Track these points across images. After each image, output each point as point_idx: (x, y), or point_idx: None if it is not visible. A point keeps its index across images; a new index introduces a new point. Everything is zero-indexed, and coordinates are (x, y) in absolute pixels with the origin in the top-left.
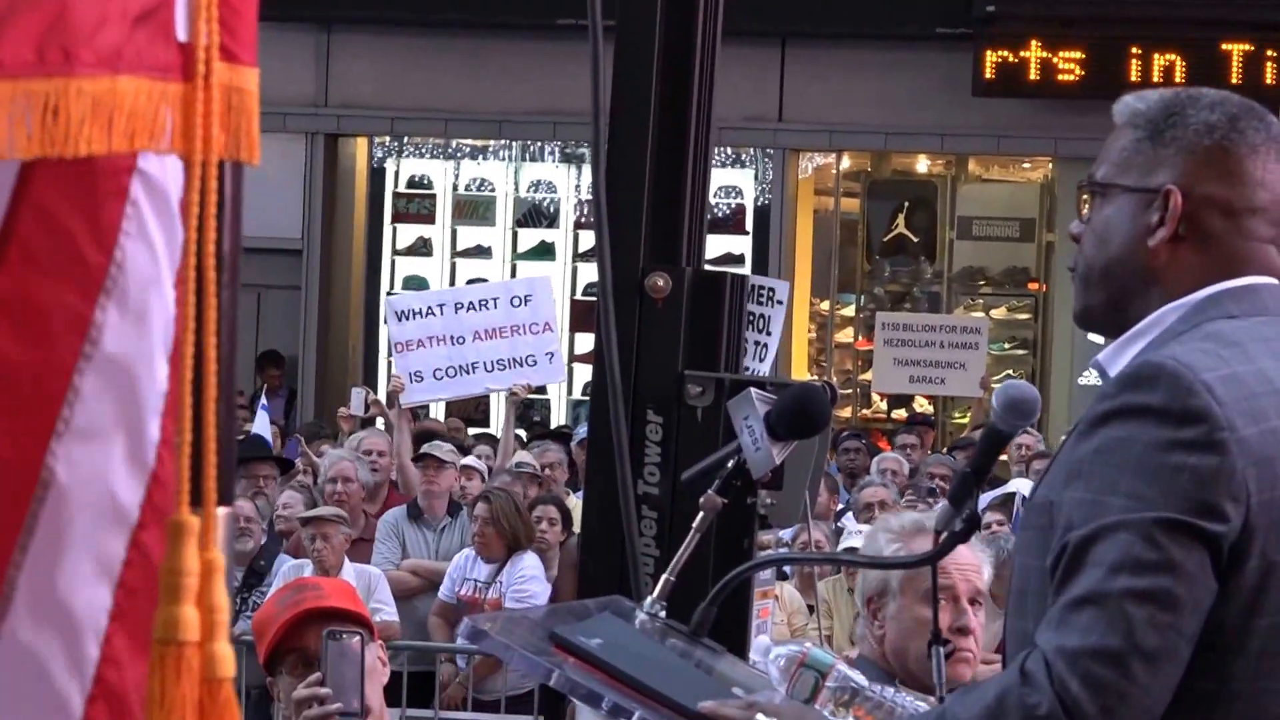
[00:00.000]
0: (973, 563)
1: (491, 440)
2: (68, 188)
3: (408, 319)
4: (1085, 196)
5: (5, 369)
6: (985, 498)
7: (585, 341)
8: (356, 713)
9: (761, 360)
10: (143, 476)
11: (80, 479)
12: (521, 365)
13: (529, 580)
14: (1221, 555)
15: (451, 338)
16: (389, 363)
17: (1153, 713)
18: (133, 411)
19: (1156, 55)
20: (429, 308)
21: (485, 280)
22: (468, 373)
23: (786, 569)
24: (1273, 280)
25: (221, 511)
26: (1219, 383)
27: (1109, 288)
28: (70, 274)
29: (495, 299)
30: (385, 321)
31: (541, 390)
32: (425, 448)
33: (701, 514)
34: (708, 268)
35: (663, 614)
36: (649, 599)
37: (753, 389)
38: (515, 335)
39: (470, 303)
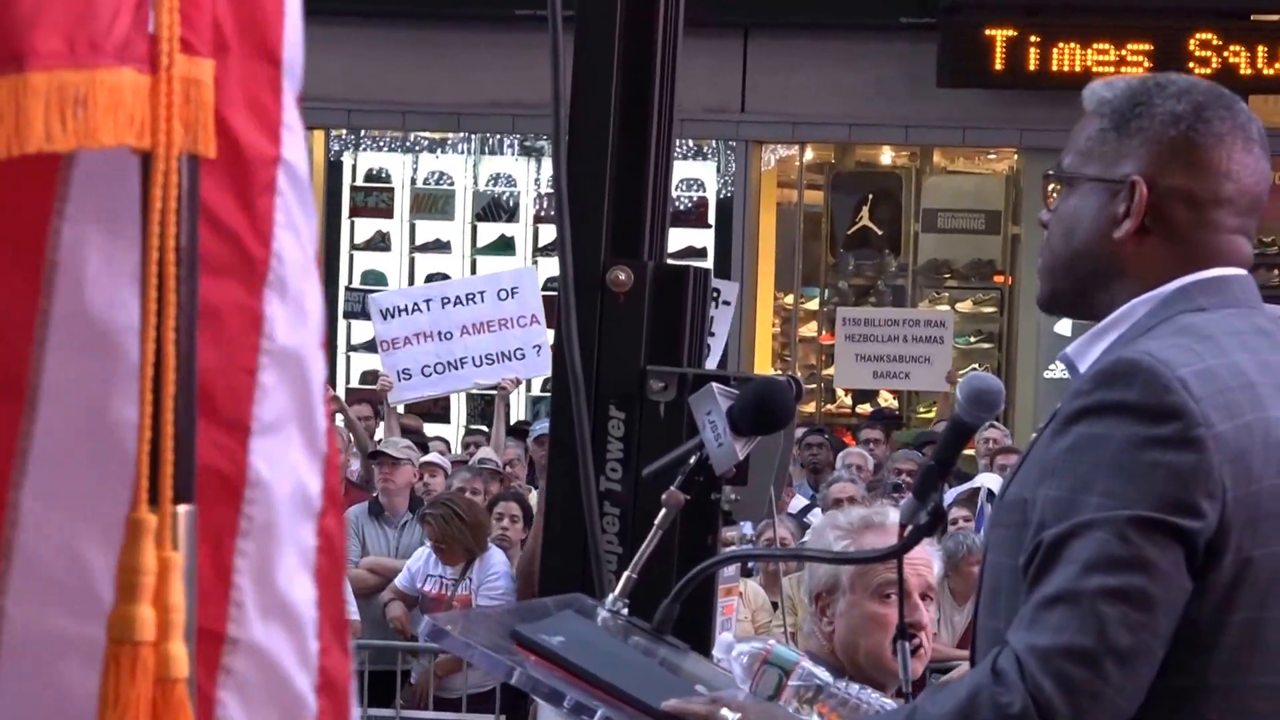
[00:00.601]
0: (923, 558)
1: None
2: (226, 185)
3: (393, 316)
4: (1051, 186)
5: (205, 380)
6: (951, 493)
7: (547, 337)
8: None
9: (705, 360)
10: (319, 463)
11: (278, 474)
12: (510, 359)
13: (501, 577)
14: (1197, 552)
15: (439, 333)
16: (348, 358)
17: (1126, 712)
18: (306, 400)
19: (1122, 45)
20: (414, 304)
21: (446, 275)
22: (456, 368)
23: (751, 566)
24: (1241, 271)
25: (182, 509)
26: (1194, 378)
27: (1075, 278)
28: (239, 272)
29: (482, 292)
30: (344, 315)
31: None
32: (380, 445)
33: (664, 510)
34: (670, 261)
35: (625, 611)
36: (611, 596)
37: (715, 384)
38: (503, 329)
39: (457, 297)
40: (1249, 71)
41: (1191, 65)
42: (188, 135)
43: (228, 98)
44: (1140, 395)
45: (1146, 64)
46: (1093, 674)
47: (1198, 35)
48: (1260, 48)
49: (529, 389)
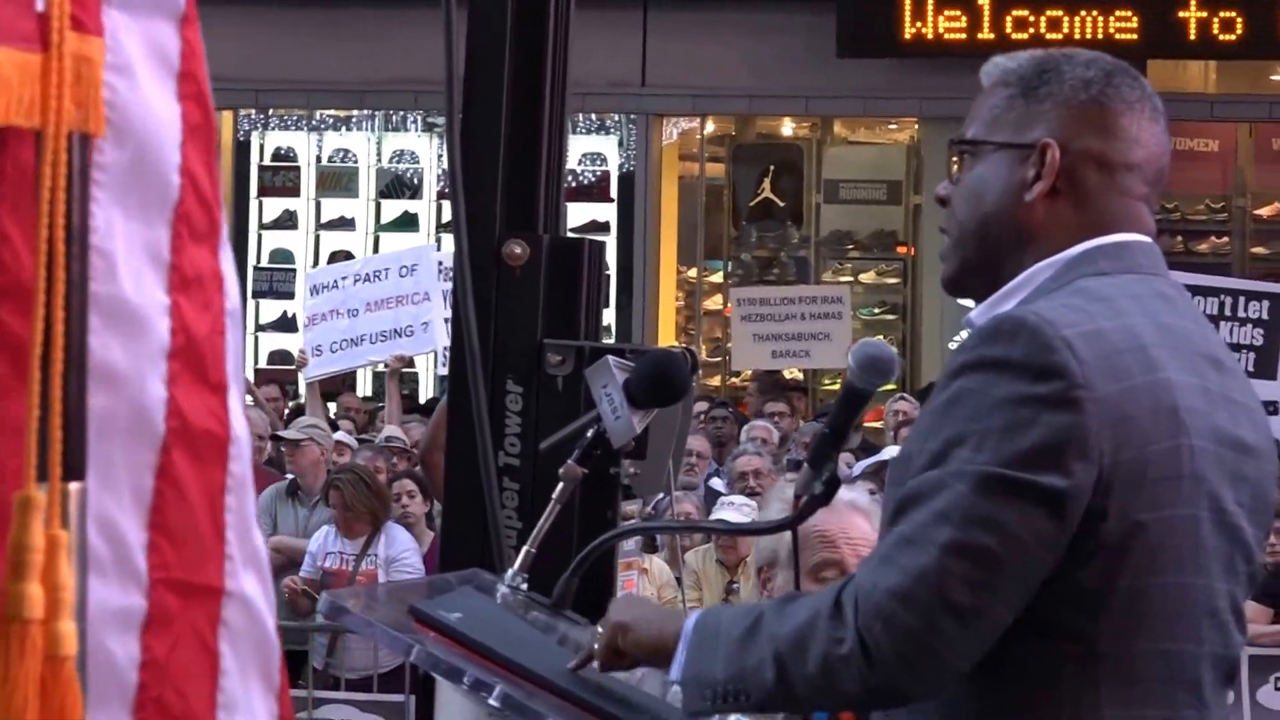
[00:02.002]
0: (865, 537)
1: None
2: (203, 152)
3: (318, 293)
4: (955, 157)
5: (193, 344)
6: (858, 466)
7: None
8: None
9: None
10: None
11: (240, 427)
12: (401, 336)
13: (411, 553)
14: (1066, 513)
15: (348, 310)
16: (256, 339)
17: (954, 669)
18: (240, 352)
19: (1018, 12)
20: (335, 280)
21: (349, 253)
22: (355, 345)
23: (658, 542)
24: (1144, 238)
25: (73, 487)
26: (1080, 339)
27: (983, 246)
28: (211, 238)
29: (387, 269)
30: (253, 295)
31: (410, 364)
32: (283, 431)
33: (561, 484)
34: (570, 235)
35: (525, 586)
36: (510, 571)
37: (611, 356)
38: (400, 306)
39: (368, 274)
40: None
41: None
42: (79, 113)
43: (200, 65)
44: (1023, 353)
45: (1046, 29)
46: (924, 626)
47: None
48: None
49: (437, 366)
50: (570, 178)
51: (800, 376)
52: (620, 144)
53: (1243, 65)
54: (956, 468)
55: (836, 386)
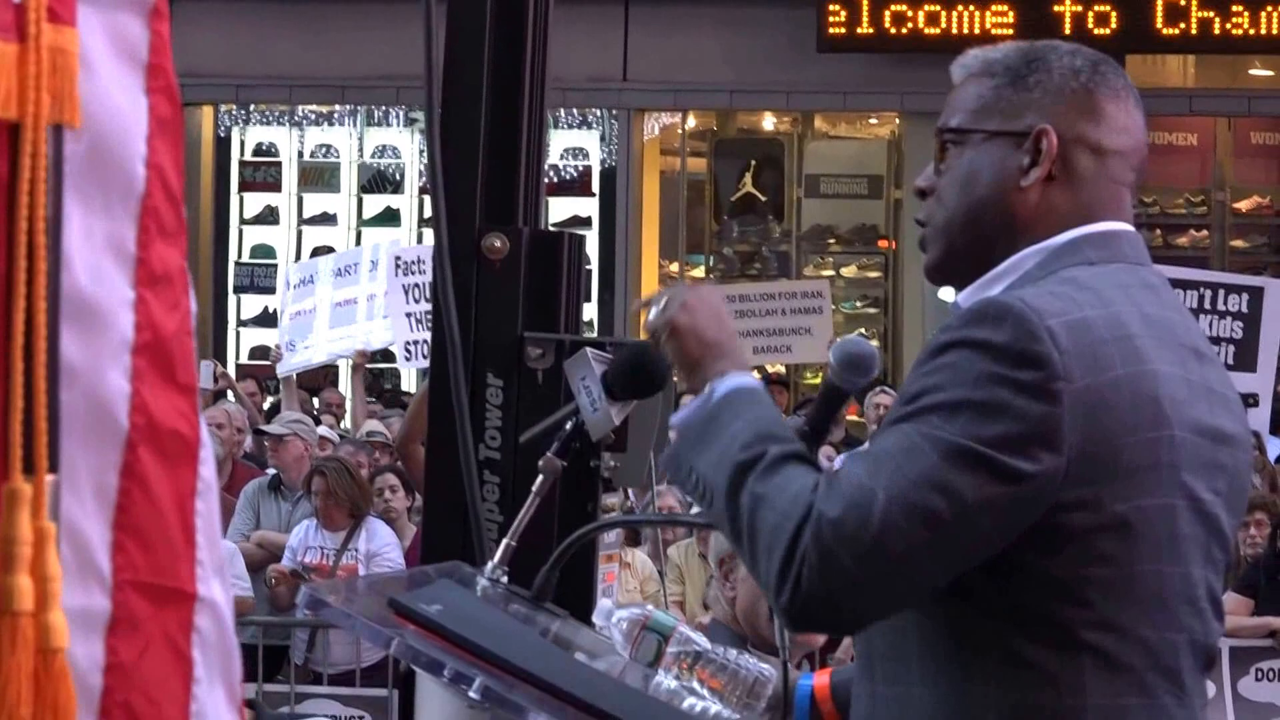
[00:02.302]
0: None
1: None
2: (172, 147)
3: (296, 288)
4: (940, 147)
5: (161, 341)
6: (839, 460)
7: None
8: None
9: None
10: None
11: (203, 429)
12: (360, 332)
13: (392, 549)
14: (1023, 496)
15: (320, 306)
16: (238, 333)
17: (871, 614)
18: (197, 363)
19: (997, 7)
20: (312, 275)
21: (332, 248)
22: (320, 341)
23: (642, 536)
24: (1130, 228)
25: (50, 479)
26: (1064, 329)
27: (973, 233)
28: (178, 234)
29: (356, 264)
30: (235, 290)
31: (391, 359)
32: (265, 425)
33: (541, 477)
34: (551, 228)
35: (505, 579)
36: (490, 564)
37: (589, 349)
38: (368, 302)
39: (339, 269)
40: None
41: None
42: (54, 105)
43: (169, 59)
44: (1007, 338)
45: (1020, 28)
46: (855, 565)
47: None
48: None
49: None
50: (552, 173)
51: (782, 370)
52: (602, 139)
53: (1220, 59)
54: (925, 430)
55: (818, 381)
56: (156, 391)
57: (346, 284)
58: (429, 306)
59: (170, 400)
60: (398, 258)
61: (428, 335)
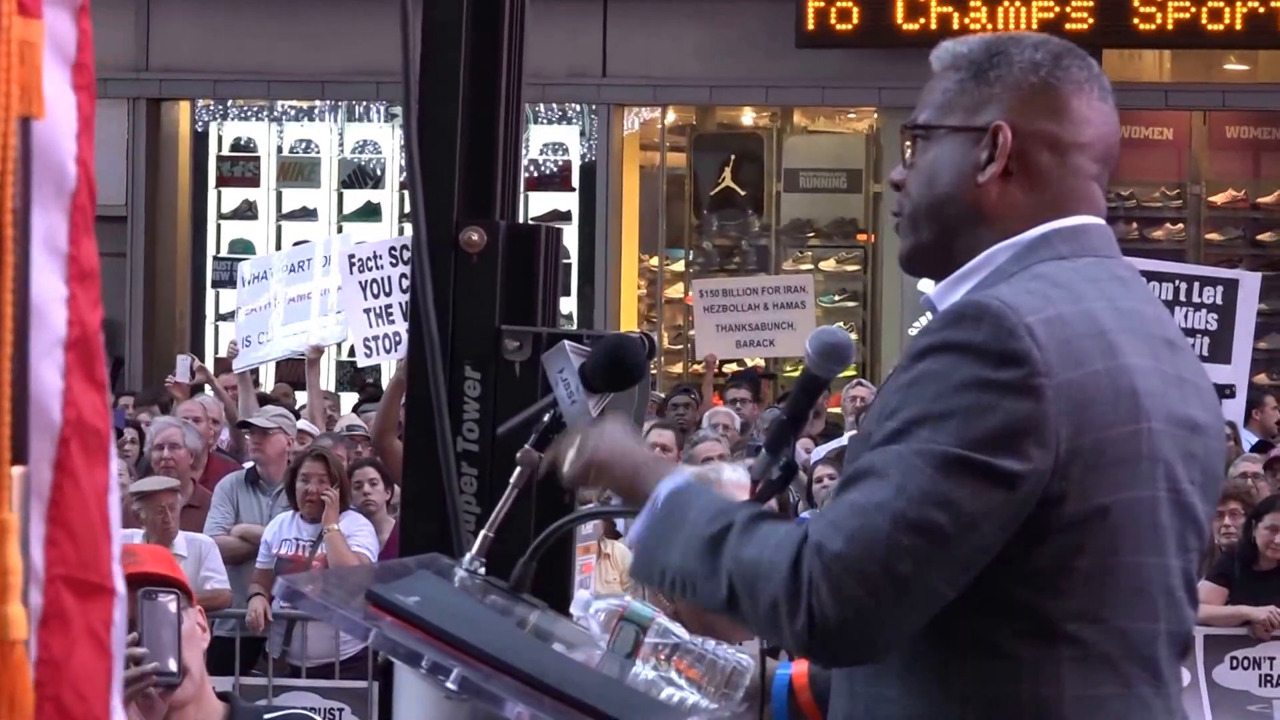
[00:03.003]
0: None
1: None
2: (92, 147)
3: (251, 283)
4: (908, 142)
5: (87, 338)
6: (818, 451)
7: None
8: (173, 672)
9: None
10: None
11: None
12: (314, 327)
13: (368, 537)
14: (1020, 496)
15: (272, 301)
16: (216, 328)
17: (890, 641)
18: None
19: (974, 1)
20: (266, 271)
21: (310, 242)
22: (274, 337)
23: (619, 526)
24: (1099, 220)
25: (16, 471)
26: (1042, 325)
27: (936, 227)
28: (92, 228)
29: (309, 260)
30: (213, 285)
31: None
32: (246, 416)
33: (518, 469)
34: (530, 222)
35: (482, 570)
36: (468, 556)
37: (567, 341)
38: (321, 297)
39: (293, 264)
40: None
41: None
42: (23, 98)
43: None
44: (986, 338)
45: (1009, 22)
46: (868, 595)
47: None
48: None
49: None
50: (532, 167)
51: (762, 364)
52: (581, 134)
53: (1196, 54)
54: (917, 446)
55: (797, 373)
56: (83, 388)
57: (299, 280)
58: (389, 301)
59: (90, 397)
60: (351, 255)
61: (388, 329)
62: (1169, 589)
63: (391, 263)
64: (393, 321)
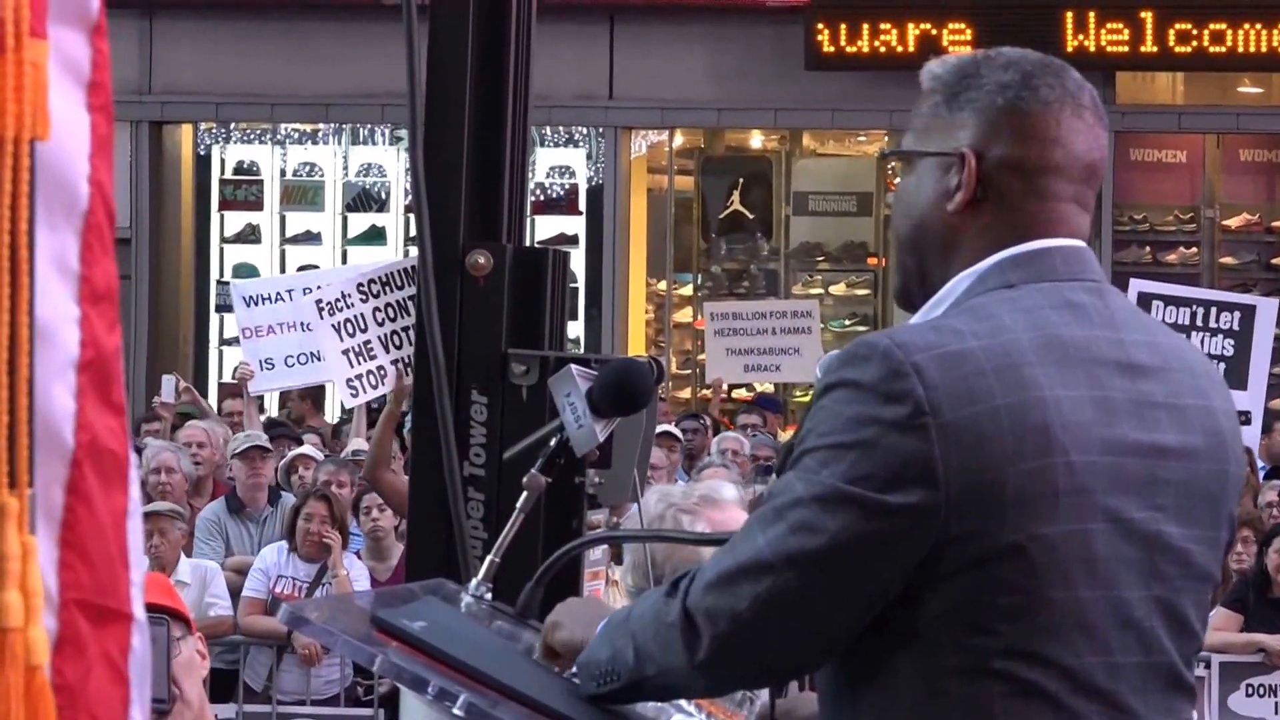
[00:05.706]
0: None
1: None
2: (109, 168)
3: (255, 304)
4: (892, 166)
5: (102, 360)
6: None
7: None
8: (161, 699)
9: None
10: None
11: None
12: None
13: (366, 579)
14: (901, 530)
15: (301, 324)
16: (220, 352)
17: (764, 664)
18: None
19: (987, 25)
20: (278, 293)
21: (316, 266)
22: (318, 359)
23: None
24: (1067, 241)
25: (30, 492)
26: (933, 363)
27: (915, 255)
28: (112, 254)
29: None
30: (216, 309)
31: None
32: (246, 440)
33: (525, 494)
34: (537, 245)
35: (489, 596)
36: (475, 581)
37: (574, 366)
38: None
39: (315, 287)
40: (1114, 50)
41: (1056, 45)
42: (32, 119)
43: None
44: (872, 376)
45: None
46: (736, 612)
47: (1067, 11)
48: (1128, 30)
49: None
50: (539, 191)
51: (772, 389)
52: (588, 157)
53: (1209, 77)
54: (804, 475)
55: (807, 399)
56: (97, 410)
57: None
58: (366, 337)
59: (106, 420)
60: (319, 300)
61: (370, 365)
62: (1128, 621)
63: (361, 299)
64: (374, 357)
